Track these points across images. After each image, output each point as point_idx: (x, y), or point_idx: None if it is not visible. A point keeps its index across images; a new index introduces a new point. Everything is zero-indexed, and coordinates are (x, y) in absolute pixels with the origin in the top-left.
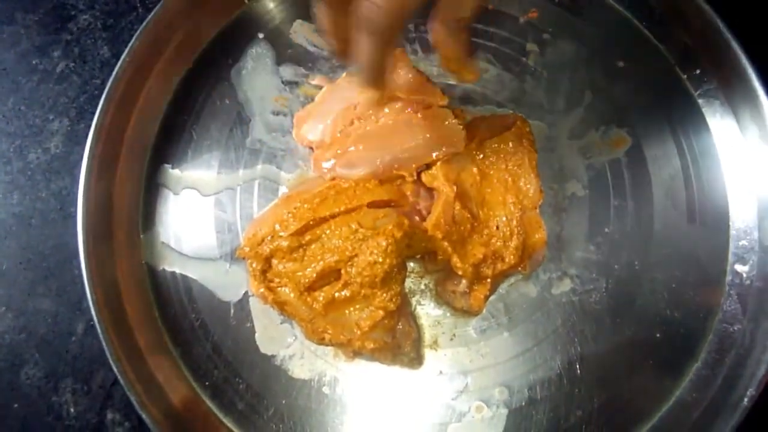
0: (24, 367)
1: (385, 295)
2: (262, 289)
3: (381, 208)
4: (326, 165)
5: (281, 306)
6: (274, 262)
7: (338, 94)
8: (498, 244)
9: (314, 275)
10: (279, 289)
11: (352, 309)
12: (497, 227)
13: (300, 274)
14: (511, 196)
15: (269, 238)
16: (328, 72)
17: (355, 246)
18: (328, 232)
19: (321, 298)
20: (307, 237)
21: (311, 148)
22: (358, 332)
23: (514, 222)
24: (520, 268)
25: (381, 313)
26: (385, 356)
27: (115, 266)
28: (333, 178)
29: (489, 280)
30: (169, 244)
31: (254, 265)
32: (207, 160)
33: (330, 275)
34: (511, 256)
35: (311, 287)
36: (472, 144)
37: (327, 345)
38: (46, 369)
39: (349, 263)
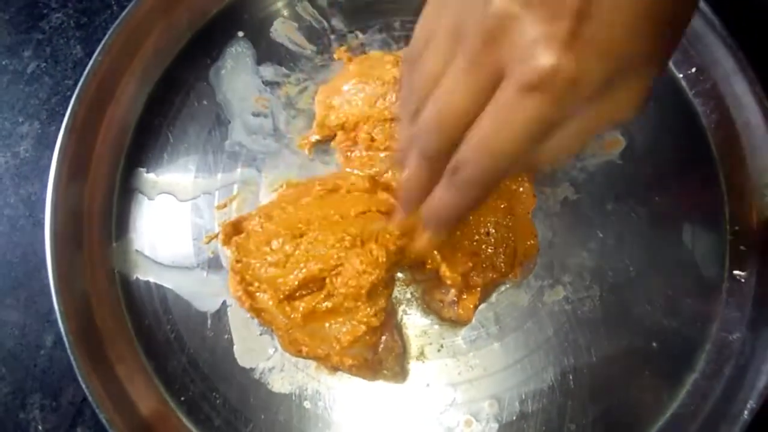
0: None
1: (369, 309)
2: (240, 293)
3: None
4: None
5: (258, 313)
6: (257, 265)
7: (366, 72)
8: (489, 251)
9: (296, 283)
10: (258, 294)
11: (332, 322)
12: (488, 233)
13: (281, 280)
14: (502, 201)
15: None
16: (311, 72)
17: (341, 255)
18: (313, 238)
19: (301, 308)
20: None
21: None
22: (337, 347)
23: (506, 228)
24: (510, 276)
25: (363, 328)
26: (365, 373)
27: (86, 275)
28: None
29: (479, 289)
30: (143, 252)
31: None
32: (184, 163)
33: (313, 284)
34: (502, 264)
35: (291, 295)
36: None
37: (304, 358)
38: (13, 384)
39: (334, 272)
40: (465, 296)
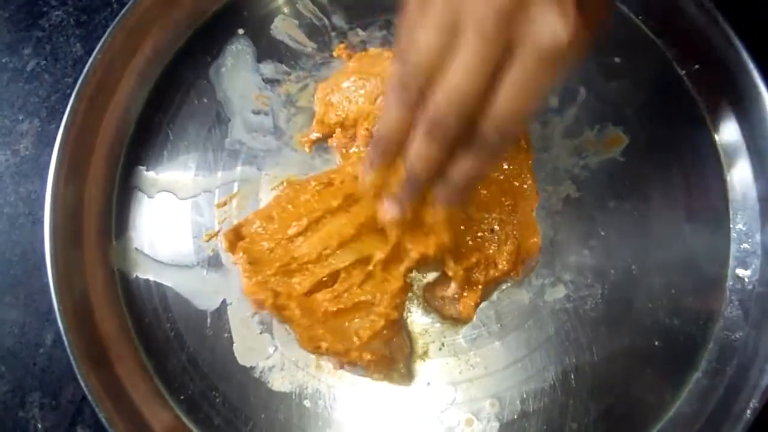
0: None
1: (388, 302)
2: (258, 295)
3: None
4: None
5: (280, 310)
6: (270, 265)
7: (365, 69)
8: (492, 248)
9: (313, 280)
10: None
11: (353, 317)
12: (492, 230)
13: (297, 280)
14: (507, 198)
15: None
16: (311, 69)
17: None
18: (321, 231)
19: (324, 305)
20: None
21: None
22: (357, 342)
23: (510, 225)
24: (512, 274)
25: (382, 322)
26: (379, 370)
27: (85, 274)
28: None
29: (480, 286)
30: (142, 251)
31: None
32: (184, 161)
33: (329, 278)
34: (504, 262)
35: (312, 291)
36: None
37: (322, 354)
38: (13, 382)
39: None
40: (466, 294)
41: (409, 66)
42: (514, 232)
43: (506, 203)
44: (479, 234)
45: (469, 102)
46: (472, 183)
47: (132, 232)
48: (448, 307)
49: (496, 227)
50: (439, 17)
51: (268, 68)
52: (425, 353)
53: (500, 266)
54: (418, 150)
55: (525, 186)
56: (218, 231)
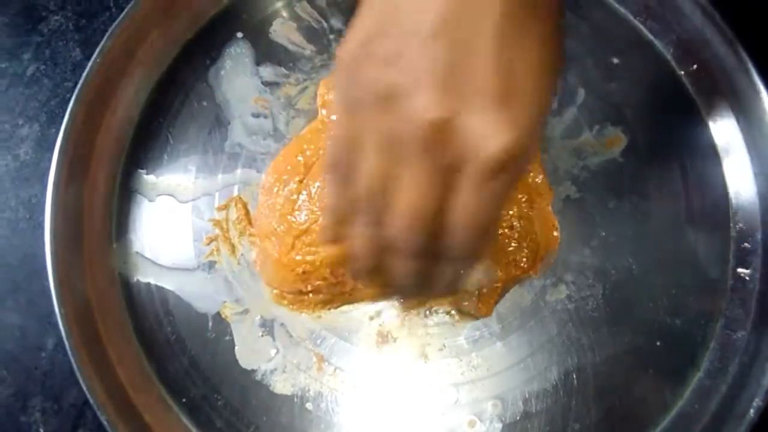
0: None
1: None
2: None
3: None
4: None
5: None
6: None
7: None
8: (513, 245)
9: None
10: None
11: None
12: (512, 227)
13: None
14: (522, 193)
15: None
16: (310, 72)
17: None
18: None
19: None
20: None
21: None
22: None
23: (528, 221)
24: (531, 272)
25: None
26: None
27: (86, 278)
28: None
29: (500, 284)
30: (143, 254)
31: None
32: (184, 164)
33: None
34: (525, 259)
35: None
36: None
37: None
38: (15, 387)
39: None
40: (486, 290)
41: (357, 193)
42: (534, 227)
43: (523, 199)
44: (499, 232)
45: (427, 220)
46: (450, 284)
47: (132, 235)
48: (467, 302)
49: (516, 223)
50: (373, 155)
51: (268, 71)
52: (426, 355)
53: (521, 264)
54: (399, 268)
55: (538, 180)
56: (218, 234)
